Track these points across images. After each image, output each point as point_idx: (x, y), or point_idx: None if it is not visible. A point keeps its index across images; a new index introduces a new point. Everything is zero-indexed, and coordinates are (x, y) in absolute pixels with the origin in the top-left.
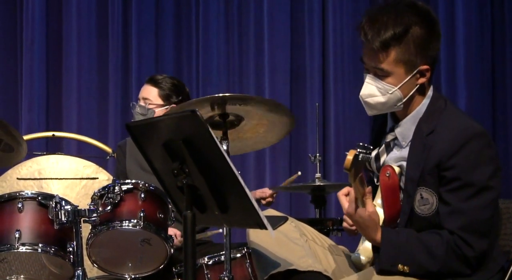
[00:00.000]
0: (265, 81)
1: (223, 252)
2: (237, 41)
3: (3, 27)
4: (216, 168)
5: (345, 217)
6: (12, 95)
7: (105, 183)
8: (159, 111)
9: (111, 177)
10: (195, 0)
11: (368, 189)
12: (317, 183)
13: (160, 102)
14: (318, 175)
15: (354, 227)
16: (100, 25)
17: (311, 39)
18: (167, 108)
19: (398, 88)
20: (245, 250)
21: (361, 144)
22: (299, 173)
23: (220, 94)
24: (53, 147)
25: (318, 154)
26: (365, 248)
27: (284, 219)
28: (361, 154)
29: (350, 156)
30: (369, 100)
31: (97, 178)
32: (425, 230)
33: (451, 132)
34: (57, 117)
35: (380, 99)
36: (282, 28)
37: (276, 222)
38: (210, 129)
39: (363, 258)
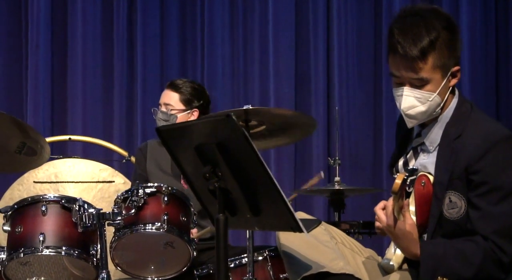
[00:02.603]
0: (269, 85)
1: (244, 255)
2: (241, 45)
3: (8, 31)
4: (250, 172)
5: (377, 224)
6: (17, 99)
7: (121, 187)
8: (181, 116)
9: (127, 181)
10: (200, 4)
11: (406, 201)
12: (336, 186)
13: (182, 107)
14: (337, 178)
15: None
16: (105, 29)
17: (315, 42)
18: (189, 113)
19: (437, 94)
20: (267, 253)
21: (409, 168)
22: (322, 174)
23: (244, 107)
24: (59, 151)
25: (337, 157)
26: (396, 255)
27: (318, 222)
28: (409, 178)
29: (399, 180)
30: (411, 111)
31: (113, 181)
32: (454, 234)
33: (478, 136)
34: (62, 121)
35: (421, 108)
36: (287, 32)
37: (309, 225)
38: (246, 134)
39: (393, 264)
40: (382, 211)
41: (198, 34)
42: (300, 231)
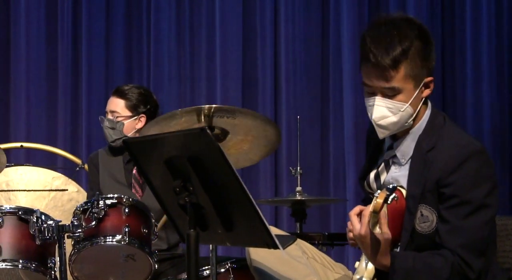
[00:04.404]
0: (217, 88)
1: (206, 267)
2: (188, 48)
3: None
4: (223, 186)
5: (350, 235)
6: None
7: (74, 195)
8: (128, 123)
9: (81, 189)
10: (146, 6)
11: (383, 213)
12: (298, 197)
13: (128, 113)
14: (299, 188)
15: None
16: (49, 31)
17: (263, 45)
18: (136, 119)
19: (409, 104)
20: (229, 265)
21: (389, 187)
22: None
23: (207, 105)
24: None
25: (299, 167)
26: (368, 271)
27: (293, 239)
28: (390, 197)
29: (380, 199)
30: (382, 122)
31: (67, 189)
32: (426, 247)
33: (451, 149)
34: (4, 126)
35: (393, 119)
36: (234, 35)
37: (284, 242)
38: (221, 148)
39: (365, 279)
40: (357, 218)
41: (144, 36)
42: (276, 248)
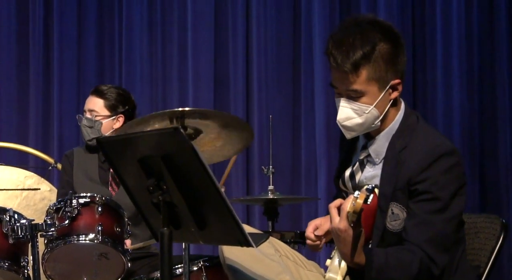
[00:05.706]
0: (188, 89)
1: (179, 265)
2: (160, 49)
3: None
4: (196, 185)
5: (310, 232)
6: None
7: (47, 194)
8: (106, 122)
9: (53, 188)
10: (117, 7)
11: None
12: (270, 195)
13: (107, 113)
14: (271, 187)
15: (318, 243)
16: (20, 30)
17: (234, 47)
18: (114, 119)
19: (374, 106)
20: (201, 263)
21: (369, 187)
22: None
23: (180, 108)
24: None
25: (271, 166)
26: (341, 269)
27: (266, 237)
28: (369, 197)
29: (360, 200)
30: (347, 123)
31: (39, 189)
32: (396, 245)
33: (423, 149)
34: None
35: (358, 120)
36: (205, 35)
37: (257, 240)
38: (195, 147)
39: (339, 278)
40: (336, 210)
41: (116, 36)
42: (249, 245)
